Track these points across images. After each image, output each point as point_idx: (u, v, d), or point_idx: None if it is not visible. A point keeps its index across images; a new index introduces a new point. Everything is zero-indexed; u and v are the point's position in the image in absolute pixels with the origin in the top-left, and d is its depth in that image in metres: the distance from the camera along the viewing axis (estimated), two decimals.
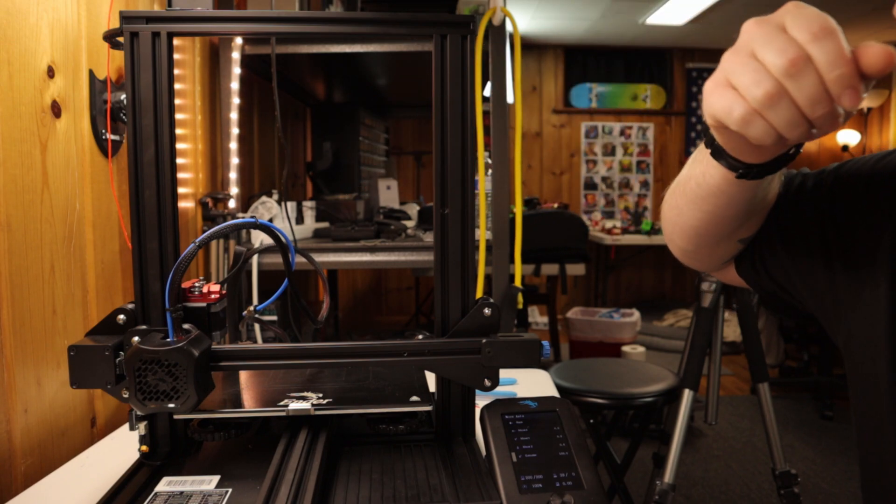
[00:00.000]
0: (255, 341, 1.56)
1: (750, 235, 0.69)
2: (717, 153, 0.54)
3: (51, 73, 0.96)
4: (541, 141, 5.76)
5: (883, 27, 4.92)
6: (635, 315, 3.91)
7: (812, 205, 0.64)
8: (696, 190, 0.62)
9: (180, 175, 1.53)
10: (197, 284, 0.73)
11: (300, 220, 1.98)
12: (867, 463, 0.63)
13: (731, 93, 0.44)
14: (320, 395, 0.75)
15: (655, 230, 4.80)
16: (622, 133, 5.80)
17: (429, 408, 0.74)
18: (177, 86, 1.40)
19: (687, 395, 1.84)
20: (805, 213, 0.65)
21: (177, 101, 1.37)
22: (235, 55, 1.72)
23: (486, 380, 0.73)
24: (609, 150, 5.81)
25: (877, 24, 4.83)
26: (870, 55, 0.41)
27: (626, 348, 3.39)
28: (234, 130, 1.74)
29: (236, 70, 1.72)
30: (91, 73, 1.07)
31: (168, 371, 0.63)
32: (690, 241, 0.70)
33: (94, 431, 1.07)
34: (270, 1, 1.68)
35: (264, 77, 2.16)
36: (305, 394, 0.76)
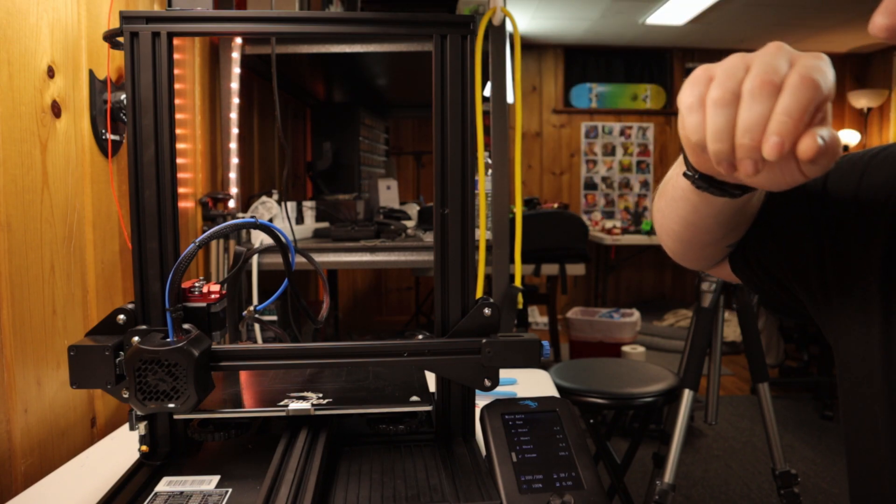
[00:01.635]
0: (255, 341, 1.56)
1: (737, 241, 0.69)
2: (684, 153, 0.55)
3: (51, 73, 0.96)
4: (541, 141, 5.76)
5: None
6: (635, 315, 3.91)
7: (804, 205, 0.64)
8: (671, 192, 0.63)
9: (180, 175, 1.53)
10: (197, 284, 0.73)
11: (300, 220, 1.98)
12: (857, 467, 0.62)
13: (706, 84, 0.45)
14: (320, 395, 0.76)
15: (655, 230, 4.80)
16: (622, 133, 5.80)
17: (429, 408, 0.74)
18: (177, 86, 1.40)
19: (687, 395, 1.84)
20: (796, 212, 0.64)
21: (177, 101, 1.37)
22: (235, 55, 1.72)
23: (486, 380, 0.73)
24: (609, 150, 5.81)
25: None
26: (806, 141, 0.41)
27: (626, 348, 3.39)
28: (234, 130, 1.74)
29: (236, 70, 1.72)
30: (91, 73, 1.07)
31: (168, 371, 0.63)
32: (676, 244, 0.71)
33: (94, 431, 1.07)
34: (270, 1, 1.68)
35: (264, 77, 2.16)
36: (305, 394, 0.76)
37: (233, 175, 1.73)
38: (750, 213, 0.65)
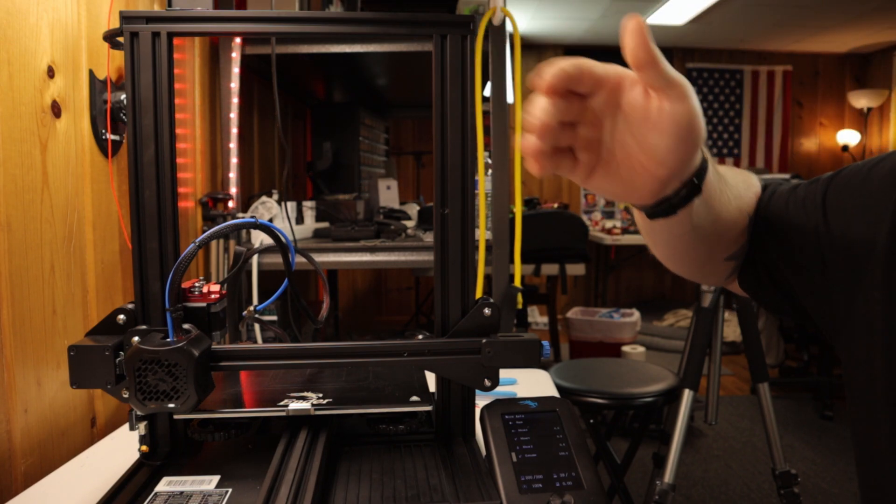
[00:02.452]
0: (255, 341, 1.56)
1: (734, 252, 0.69)
2: None
3: (51, 73, 0.96)
4: None
5: (883, 27, 4.92)
6: (635, 315, 3.91)
7: (805, 215, 0.65)
8: (639, 224, 0.67)
9: (180, 175, 1.53)
10: (197, 284, 0.73)
11: (300, 220, 1.98)
12: (866, 471, 0.62)
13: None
14: (320, 395, 0.76)
15: None
16: None
17: (429, 408, 0.74)
18: (177, 86, 1.40)
19: (687, 395, 1.84)
20: (798, 223, 0.65)
21: (177, 101, 1.37)
22: (235, 55, 1.72)
23: (486, 380, 0.73)
24: None
25: (878, 23, 4.83)
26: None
27: (626, 348, 3.39)
28: (234, 130, 1.74)
29: (236, 70, 1.72)
30: (91, 73, 1.07)
31: (168, 371, 0.63)
32: (674, 267, 0.73)
33: (94, 431, 1.07)
34: (270, 1, 1.68)
35: (264, 77, 2.16)
36: (305, 394, 0.76)
37: (233, 175, 1.73)
38: (725, 225, 0.65)
